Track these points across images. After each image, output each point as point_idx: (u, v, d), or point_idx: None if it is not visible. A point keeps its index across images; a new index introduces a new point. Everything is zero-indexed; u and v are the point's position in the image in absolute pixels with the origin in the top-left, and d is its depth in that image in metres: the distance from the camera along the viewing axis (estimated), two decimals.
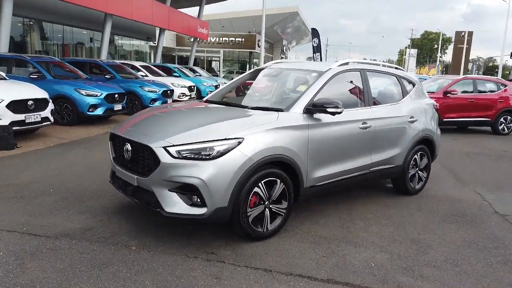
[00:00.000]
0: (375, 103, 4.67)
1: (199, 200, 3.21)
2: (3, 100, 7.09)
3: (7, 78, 8.39)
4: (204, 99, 4.92)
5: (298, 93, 4.12)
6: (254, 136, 3.39)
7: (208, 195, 3.17)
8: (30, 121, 7.56)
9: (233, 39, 37.49)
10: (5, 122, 7.07)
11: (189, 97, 15.34)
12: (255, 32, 36.36)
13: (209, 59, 40.49)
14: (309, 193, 3.94)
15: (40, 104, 7.84)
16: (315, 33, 21.81)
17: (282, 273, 3.04)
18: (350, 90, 4.60)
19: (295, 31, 48.96)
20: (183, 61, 35.43)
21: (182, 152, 3.18)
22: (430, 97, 11.04)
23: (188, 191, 3.21)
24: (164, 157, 3.19)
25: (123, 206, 4.28)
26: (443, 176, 6.43)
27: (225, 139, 3.26)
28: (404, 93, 5.12)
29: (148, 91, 12.29)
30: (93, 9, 15.72)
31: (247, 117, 3.69)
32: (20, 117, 7.34)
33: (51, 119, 8.21)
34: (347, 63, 4.60)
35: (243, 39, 36.95)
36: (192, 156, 3.19)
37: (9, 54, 10.53)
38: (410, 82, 5.31)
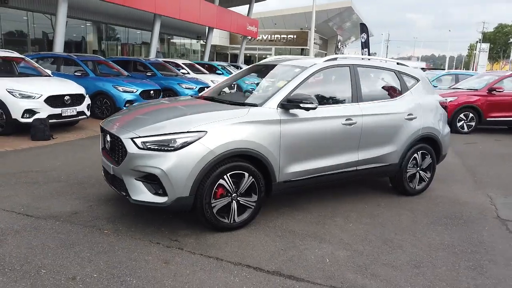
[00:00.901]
0: (366, 99, 4.57)
1: (161, 189, 3.40)
2: (42, 95, 7.81)
3: (51, 75, 9.22)
4: (200, 94, 5.11)
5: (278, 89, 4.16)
6: (218, 129, 3.51)
7: (168, 185, 3.35)
8: (66, 114, 8.24)
9: (285, 36, 37.53)
10: (43, 115, 7.78)
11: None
12: (307, 28, 36.03)
13: (262, 56, 40.80)
14: (283, 188, 3.99)
15: (76, 99, 8.51)
16: (363, 28, 21.23)
17: (231, 263, 3.15)
18: (335, 86, 4.55)
19: (353, 26, 47.76)
20: (236, 59, 36.11)
21: (147, 144, 3.39)
22: (472, 95, 10.50)
23: (151, 180, 3.42)
24: (131, 148, 3.43)
25: (115, 195, 4.59)
26: (460, 177, 6.10)
27: (187, 131, 3.41)
28: (404, 89, 4.94)
29: (185, 88, 12.77)
30: (142, 10, 16.60)
31: (217, 111, 3.81)
32: (56, 110, 8.03)
33: (87, 113, 8.87)
34: (335, 59, 4.54)
35: (295, 36, 36.87)
36: (156, 147, 3.38)
37: (58, 53, 11.51)
38: (413, 78, 5.11)
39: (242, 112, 3.74)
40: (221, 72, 18.08)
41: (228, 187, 3.60)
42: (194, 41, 27.16)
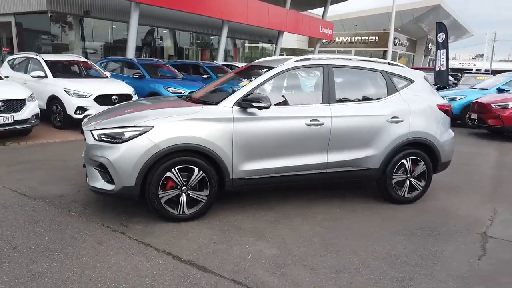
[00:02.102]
0: (342, 101, 4.44)
1: (109, 178, 3.75)
2: (92, 94, 8.79)
3: (109, 77, 10.28)
4: (190, 95, 5.39)
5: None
6: (165, 125, 3.76)
7: (115, 174, 3.69)
8: None
9: (366, 37, 36.31)
10: (92, 112, 8.74)
11: None
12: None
13: None
14: (239, 185, 4.08)
15: (123, 98, 9.37)
16: (441, 27, 19.71)
17: (156, 249, 3.36)
18: (304, 86, 4.48)
19: (450, 26, 44.23)
20: None
21: (101, 136, 3.77)
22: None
23: (102, 169, 3.78)
24: (89, 139, 3.84)
25: None
26: (471, 187, 5.54)
27: (134, 126, 3.72)
28: (391, 90, 4.68)
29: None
30: (210, 16, 17.47)
31: (171, 108, 4.05)
32: (104, 108, 8.97)
33: None
34: (308, 59, 4.49)
35: (376, 38, 35.49)
36: (108, 139, 3.74)
37: (121, 57, 12.73)
38: (405, 79, 4.80)
39: (194, 110, 3.94)
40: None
41: (176, 180, 3.82)
42: (268, 45, 27.67)
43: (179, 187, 3.86)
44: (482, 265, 3.37)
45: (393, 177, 4.66)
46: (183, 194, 3.89)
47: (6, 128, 7.14)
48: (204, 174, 3.90)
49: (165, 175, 3.78)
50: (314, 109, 4.30)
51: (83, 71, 10.39)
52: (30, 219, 3.86)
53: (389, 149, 4.54)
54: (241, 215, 4.22)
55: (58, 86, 8.82)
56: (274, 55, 23.48)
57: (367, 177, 4.65)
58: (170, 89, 11.11)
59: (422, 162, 4.74)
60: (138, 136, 3.69)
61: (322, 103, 4.35)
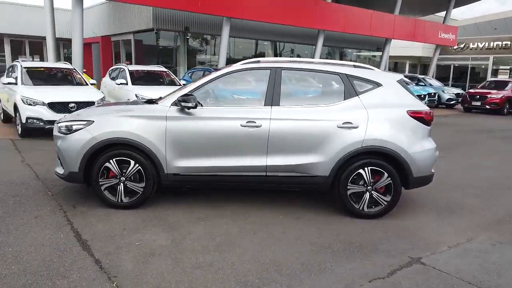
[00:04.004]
0: (288, 103, 4.31)
1: (61, 163, 4.40)
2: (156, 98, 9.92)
3: (181, 84, 11.41)
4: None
5: None
6: (104, 120, 4.28)
7: (63, 160, 4.33)
8: None
9: (508, 42, 31.55)
10: None
11: None
12: None
13: (475, 68, 35.49)
14: (173, 180, 4.33)
15: None
16: None
17: (72, 227, 3.85)
18: (248, 88, 4.46)
19: None
20: (445, 70, 32.84)
21: (60, 128, 4.45)
22: None
23: (59, 156, 4.46)
24: (55, 130, 4.55)
25: None
26: (464, 209, 4.66)
27: (79, 120, 4.31)
28: (349, 94, 4.32)
29: None
30: (307, 27, 17.68)
31: (119, 106, 4.50)
32: None
33: None
34: (258, 61, 4.47)
35: None
36: (63, 131, 4.40)
37: (201, 68, 13.91)
38: (370, 82, 4.37)
39: (134, 108, 4.34)
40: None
41: (114, 171, 4.27)
42: (379, 53, 26.34)
43: (118, 177, 4.30)
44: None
45: (348, 187, 4.29)
46: (121, 183, 4.31)
47: None
48: (140, 167, 4.26)
49: (104, 165, 4.26)
50: (251, 111, 4.27)
51: (164, 79, 11.73)
52: (12, 195, 4.71)
53: (340, 157, 4.21)
54: (183, 210, 4.43)
55: (132, 91, 10.19)
56: (380, 64, 22.36)
57: (317, 185, 4.37)
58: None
59: (387, 175, 4.25)
60: (82, 129, 4.26)
61: (264, 106, 4.30)
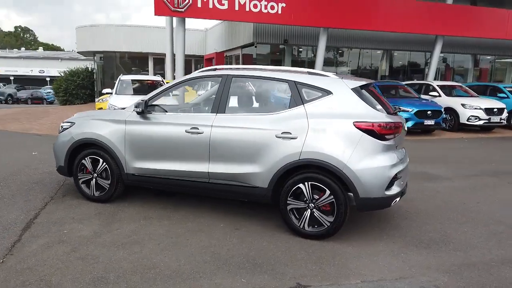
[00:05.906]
0: (234, 111, 4.23)
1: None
2: None
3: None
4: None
5: None
6: (80, 122, 4.88)
7: (55, 156, 5.07)
8: None
9: None
10: None
11: (485, 121, 12.92)
12: None
13: None
14: (132, 180, 4.66)
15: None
16: None
17: (36, 214, 4.48)
18: (199, 95, 4.46)
19: None
20: None
21: (60, 128, 5.23)
22: None
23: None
24: (59, 130, 5.36)
25: None
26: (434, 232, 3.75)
27: (66, 121, 5.01)
28: (295, 102, 3.99)
29: (402, 111, 12.09)
30: (427, 34, 16.26)
31: (100, 111, 5.02)
32: None
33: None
34: (214, 69, 4.47)
35: None
36: (59, 129, 5.16)
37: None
38: (320, 90, 3.96)
39: (106, 112, 4.83)
40: (505, 96, 14.74)
41: (88, 167, 4.83)
42: None
43: (91, 173, 4.84)
44: None
45: (288, 202, 3.97)
46: (94, 179, 4.84)
47: None
48: (107, 165, 4.73)
49: (81, 161, 4.85)
50: (196, 117, 4.33)
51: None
52: (40, 181, 5.72)
53: (278, 168, 3.94)
54: (137, 208, 4.71)
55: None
56: None
57: (257, 197, 4.14)
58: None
59: (329, 192, 3.80)
60: (67, 129, 4.94)
61: (210, 113, 4.30)
